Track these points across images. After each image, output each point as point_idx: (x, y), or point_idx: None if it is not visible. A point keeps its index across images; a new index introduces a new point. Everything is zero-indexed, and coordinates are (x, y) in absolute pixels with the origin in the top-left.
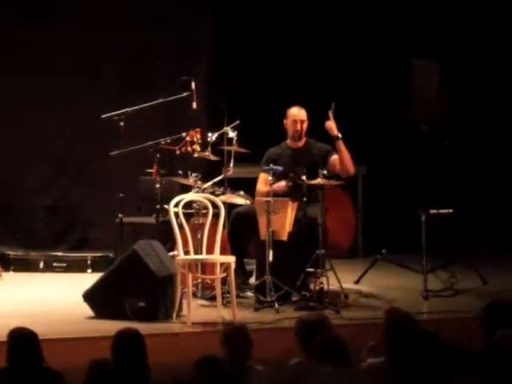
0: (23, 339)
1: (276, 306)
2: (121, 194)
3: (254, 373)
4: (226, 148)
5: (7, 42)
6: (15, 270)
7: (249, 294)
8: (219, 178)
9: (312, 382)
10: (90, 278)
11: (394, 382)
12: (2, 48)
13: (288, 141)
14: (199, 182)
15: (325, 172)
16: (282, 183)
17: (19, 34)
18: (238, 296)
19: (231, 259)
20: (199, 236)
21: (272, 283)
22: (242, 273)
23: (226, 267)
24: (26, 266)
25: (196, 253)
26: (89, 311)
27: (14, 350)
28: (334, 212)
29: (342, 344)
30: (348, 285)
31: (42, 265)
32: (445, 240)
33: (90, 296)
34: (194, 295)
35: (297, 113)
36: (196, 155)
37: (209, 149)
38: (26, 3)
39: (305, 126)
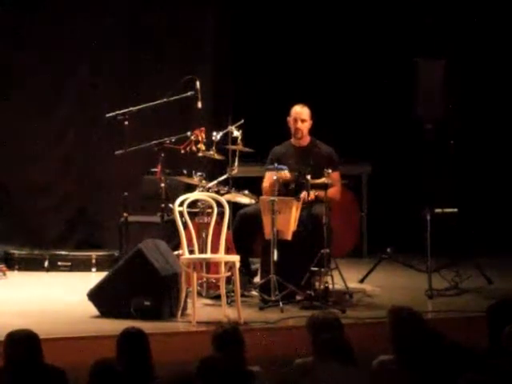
0: (21, 340)
1: (281, 305)
2: (125, 193)
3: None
4: (231, 147)
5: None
6: (20, 269)
7: (253, 293)
8: (224, 177)
9: (317, 380)
10: (94, 277)
11: (403, 381)
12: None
13: (292, 139)
14: (204, 181)
15: (329, 171)
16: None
17: None
18: (242, 295)
19: (236, 258)
20: (204, 235)
21: (277, 282)
22: (246, 272)
23: (230, 266)
24: (30, 265)
25: (201, 252)
26: (93, 310)
27: (11, 350)
28: (337, 211)
29: (349, 343)
30: (353, 284)
31: (46, 264)
32: (450, 239)
33: (94, 295)
34: (199, 294)
35: (298, 111)
36: (201, 154)
37: (213, 148)
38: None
39: (306, 125)
